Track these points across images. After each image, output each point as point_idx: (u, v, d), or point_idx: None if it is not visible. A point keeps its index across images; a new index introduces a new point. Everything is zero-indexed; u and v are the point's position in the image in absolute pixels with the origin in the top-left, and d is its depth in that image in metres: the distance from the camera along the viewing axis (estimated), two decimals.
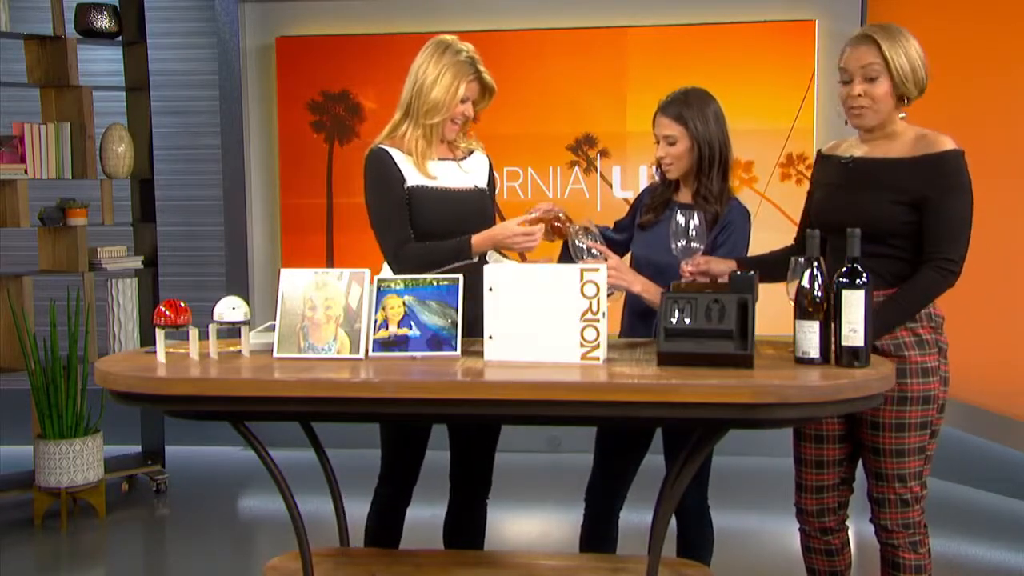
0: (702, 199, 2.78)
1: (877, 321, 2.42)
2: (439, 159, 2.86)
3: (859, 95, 2.55)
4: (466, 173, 2.90)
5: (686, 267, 2.60)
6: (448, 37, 2.83)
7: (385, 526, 2.91)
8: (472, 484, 2.97)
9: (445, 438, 2.95)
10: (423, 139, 2.80)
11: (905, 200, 2.50)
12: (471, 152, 2.95)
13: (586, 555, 2.85)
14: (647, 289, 2.69)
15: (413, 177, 2.79)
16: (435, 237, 2.76)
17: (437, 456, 2.95)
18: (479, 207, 2.88)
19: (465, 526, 2.99)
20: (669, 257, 2.68)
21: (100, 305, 4.77)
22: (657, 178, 2.93)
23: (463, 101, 2.80)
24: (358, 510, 2.96)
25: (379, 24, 5.48)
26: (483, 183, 2.93)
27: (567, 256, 2.81)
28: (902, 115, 2.58)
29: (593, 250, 2.70)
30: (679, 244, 2.61)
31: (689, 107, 2.76)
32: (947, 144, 2.51)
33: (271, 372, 2.37)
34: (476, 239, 2.72)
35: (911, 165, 2.51)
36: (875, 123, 2.59)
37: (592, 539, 2.90)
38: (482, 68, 2.81)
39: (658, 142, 2.81)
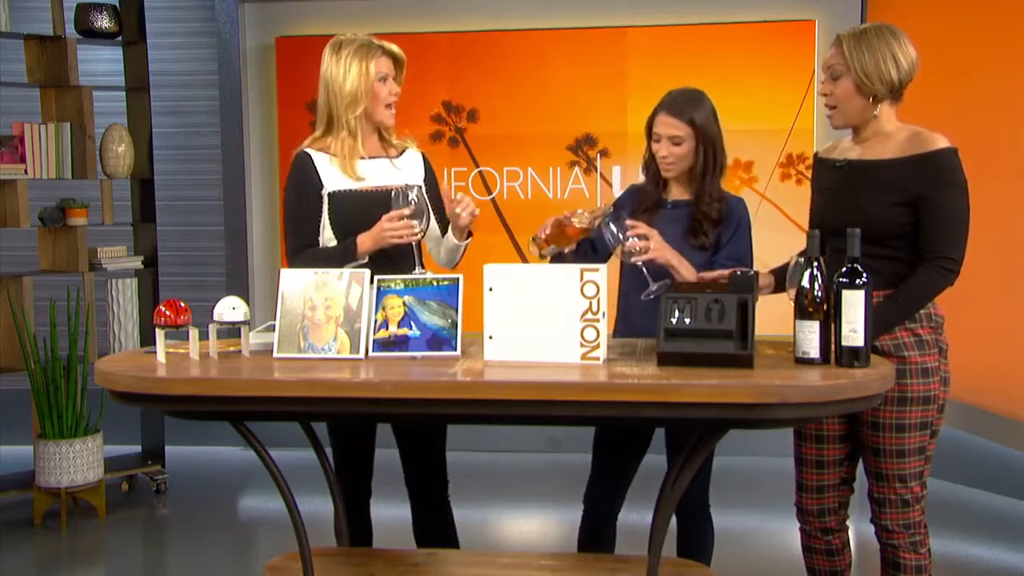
0: (706, 201, 2.78)
1: (876, 321, 2.41)
2: (370, 157, 2.86)
3: (825, 95, 2.60)
4: (399, 171, 2.89)
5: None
6: (340, 36, 2.83)
7: (351, 524, 2.89)
8: (428, 485, 2.94)
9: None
10: (350, 137, 2.80)
11: (902, 201, 2.49)
12: (404, 150, 2.94)
13: (586, 555, 2.85)
14: (683, 262, 2.67)
15: (334, 181, 2.80)
16: None
17: None
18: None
19: (432, 528, 2.97)
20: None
21: (100, 305, 4.78)
22: (644, 177, 2.90)
23: (382, 80, 2.80)
24: None
25: (379, 24, 5.47)
26: (418, 180, 2.91)
27: (590, 251, 2.79)
28: (875, 113, 2.55)
29: (629, 233, 2.61)
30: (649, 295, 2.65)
31: (695, 108, 2.75)
32: (940, 142, 2.50)
33: (271, 372, 2.37)
34: (361, 239, 2.72)
35: (905, 165, 2.50)
36: (843, 123, 2.61)
37: (590, 542, 2.89)
38: (383, 43, 2.82)
39: (657, 140, 2.79)
